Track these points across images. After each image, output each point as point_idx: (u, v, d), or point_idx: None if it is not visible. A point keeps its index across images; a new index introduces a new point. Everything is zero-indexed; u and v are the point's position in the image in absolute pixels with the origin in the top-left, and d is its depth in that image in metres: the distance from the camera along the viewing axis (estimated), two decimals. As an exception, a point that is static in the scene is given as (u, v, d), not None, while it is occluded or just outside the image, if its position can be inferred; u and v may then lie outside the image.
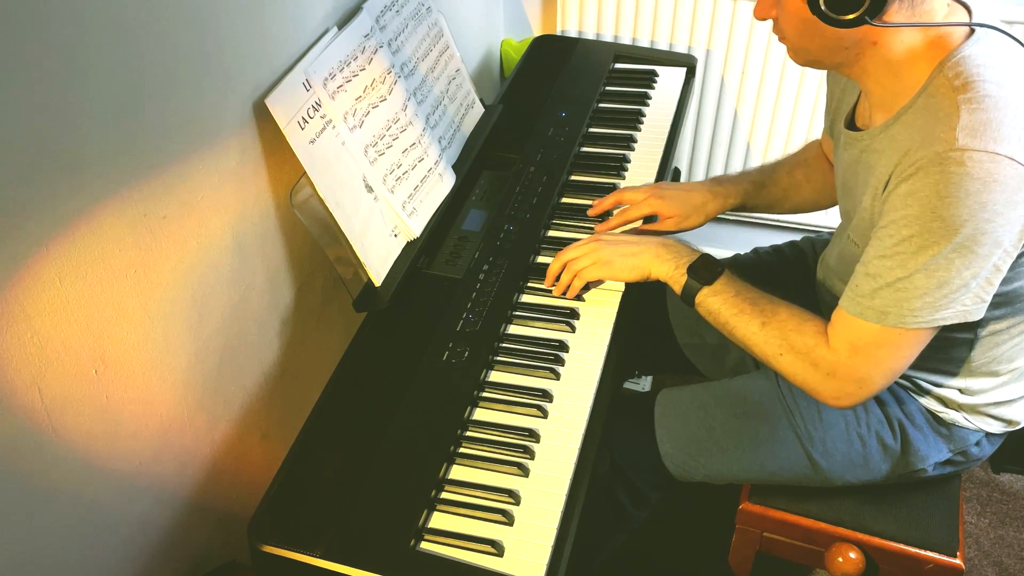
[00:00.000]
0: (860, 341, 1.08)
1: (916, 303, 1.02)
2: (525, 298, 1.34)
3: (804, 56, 1.12)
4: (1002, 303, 1.12)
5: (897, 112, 1.07)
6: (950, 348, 1.19)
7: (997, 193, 0.95)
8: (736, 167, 2.18)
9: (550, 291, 1.33)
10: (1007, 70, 1.01)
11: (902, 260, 1.01)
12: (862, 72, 1.10)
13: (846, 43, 1.06)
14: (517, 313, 1.30)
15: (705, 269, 1.22)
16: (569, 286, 1.31)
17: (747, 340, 1.18)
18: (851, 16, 1.00)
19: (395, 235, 1.33)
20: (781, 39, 1.12)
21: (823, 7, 1.00)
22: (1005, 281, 1.05)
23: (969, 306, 1.02)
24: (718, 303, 1.20)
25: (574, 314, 1.30)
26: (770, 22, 1.12)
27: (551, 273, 1.33)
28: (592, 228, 1.45)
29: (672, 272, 1.25)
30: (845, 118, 1.23)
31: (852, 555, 1.33)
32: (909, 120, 1.05)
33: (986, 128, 0.96)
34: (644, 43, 2.05)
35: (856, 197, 1.16)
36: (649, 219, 1.44)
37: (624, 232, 1.40)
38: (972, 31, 1.04)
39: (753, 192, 1.47)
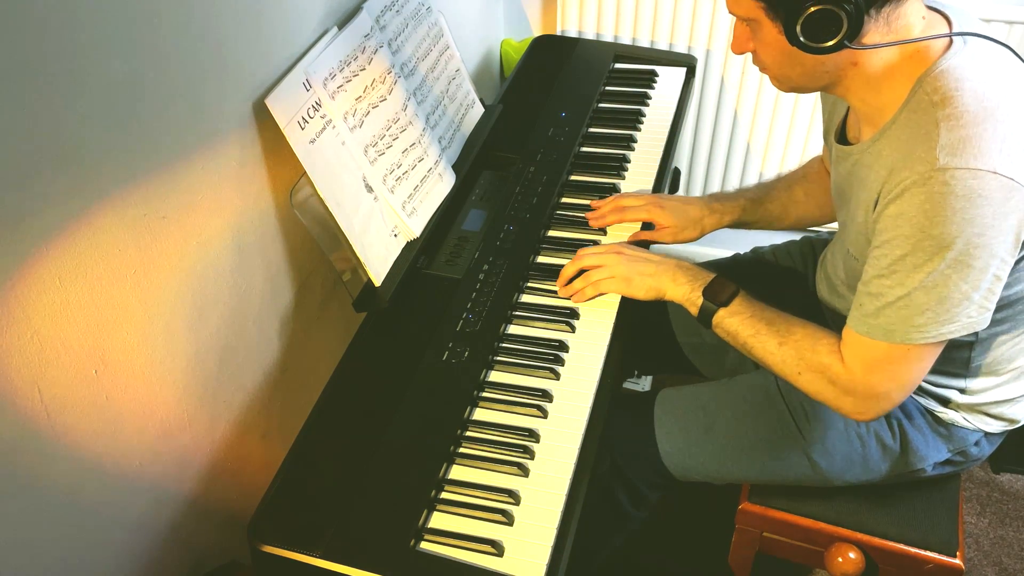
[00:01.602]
0: (872, 359, 1.08)
1: (919, 319, 1.02)
2: (525, 298, 1.34)
3: (787, 84, 1.12)
4: (1003, 306, 1.12)
5: (882, 127, 1.07)
6: (951, 350, 1.19)
7: (984, 207, 0.95)
8: (736, 167, 2.18)
9: (550, 291, 1.33)
10: (987, 80, 1.01)
11: (900, 279, 1.01)
12: (846, 91, 1.10)
13: (827, 67, 1.06)
14: (517, 313, 1.30)
15: (721, 291, 1.22)
16: (579, 291, 1.30)
17: (765, 359, 1.18)
18: (830, 43, 1.00)
19: (395, 235, 1.33)
20: (762, 70, 1.13)
21: (801, 37, 1.01)
22: (1006, 286, 1.05)
23: (975, 317, 1.03)
24: (735, 324, 1.20)
25: (574, 314, 1.30)
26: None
27: (565, 275, 1.32)
28: (592, 231, 1.45)
29: (688, 294, 1.25)
30: (836, 131, 1.23)
31: (852, 555, 1.33)
32: (893, 135, 1.05)
33: (966, 144, 0.96)
34: (644, 43, 2.05)
35: (851, 210, 1.16)
36: (646, 226, 1.44)
37: (632, 244, 1.38)
38: (951, 41, 1.04)
39: (750, 208, 1.48)
